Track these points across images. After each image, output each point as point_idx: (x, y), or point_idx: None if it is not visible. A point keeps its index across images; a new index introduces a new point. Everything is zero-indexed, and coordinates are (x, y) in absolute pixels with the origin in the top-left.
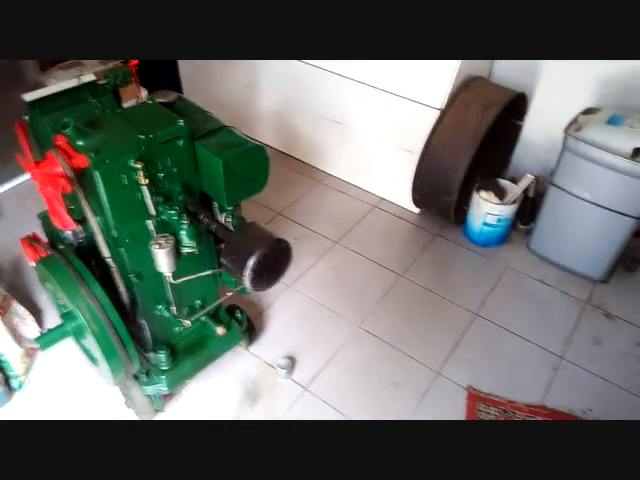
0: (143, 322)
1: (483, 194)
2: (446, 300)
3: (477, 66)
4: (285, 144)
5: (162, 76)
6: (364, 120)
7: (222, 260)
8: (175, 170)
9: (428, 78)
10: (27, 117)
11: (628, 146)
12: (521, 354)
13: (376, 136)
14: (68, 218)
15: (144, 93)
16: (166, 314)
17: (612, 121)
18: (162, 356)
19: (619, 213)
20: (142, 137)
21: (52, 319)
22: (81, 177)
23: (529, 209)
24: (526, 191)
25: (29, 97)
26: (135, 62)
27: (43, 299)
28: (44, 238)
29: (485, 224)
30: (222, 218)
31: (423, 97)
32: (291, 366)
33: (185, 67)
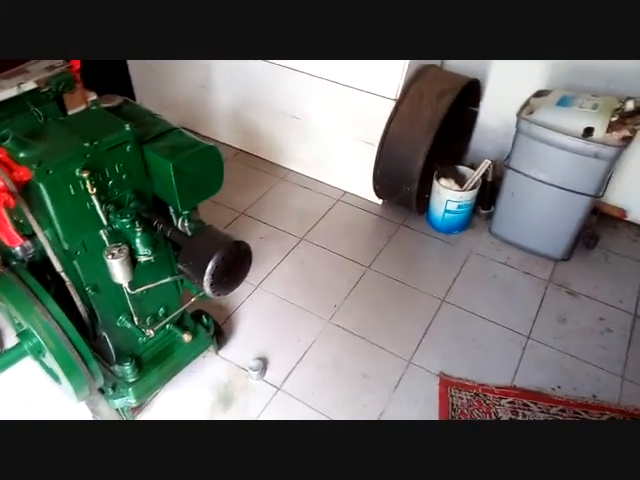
0: (104, 335)
1: (443, 181)
2: (413, 288)
3: None
4: (245, 142)
5: (112, 79)
6: (322, 114)
7: (179, 267)
8: (125, 176)
9: (381, 69)
10: None
11: (579, 126)
12: (489, 337)
13: (335, 129)
14: (14, 234)
15: (93, 97)
16: (128, 325)
17: (562, 102)
18: (127, 368)
19: (575, 192)
20: (87, 145)
21: (13, 337)
22: (25, 190)
23: (488, 193)
24: (485, 176)
25: None
26: (77, 67)
27: (0, 317)
28: None
29: (447, 211)
30: (179, 223)
31: (378, 88)
32: (263, 367)
33: (135, 69)
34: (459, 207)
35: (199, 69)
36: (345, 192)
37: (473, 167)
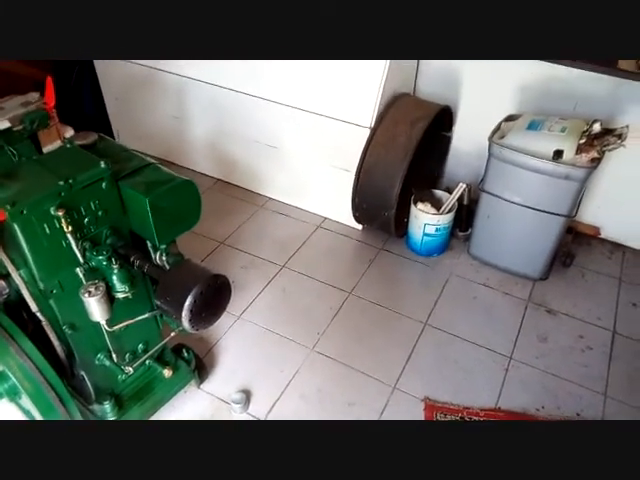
0: (82, 374)
1: (420, 206)
2: (395, 313)
3: (401, 83)
4: (222, 172)
5: (89, 112)
6: (298, 142)
7: (157, 302)
8: (100, 213)
9: (355, 98)
10: None
11: (549, 149)
12: (472, 359)
13: (312, 157)
14: None
15: (69, 133)
16: (107, 363)
17: (532, 126)
18: (107, 407)
19: (549, 213)
20: (61, 183)
21: None
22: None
23: (465, 216)
24: (461, 199)
25: None
26: (52, 104)
27: None
28: None
29: (425, 234)
30: (157, 257)
31: (353, 117)
32: (246, 400)
33: (111, 102)
34: (437, 230)
35: (170, 99)
36: (325, 218)
37: (449, 191)
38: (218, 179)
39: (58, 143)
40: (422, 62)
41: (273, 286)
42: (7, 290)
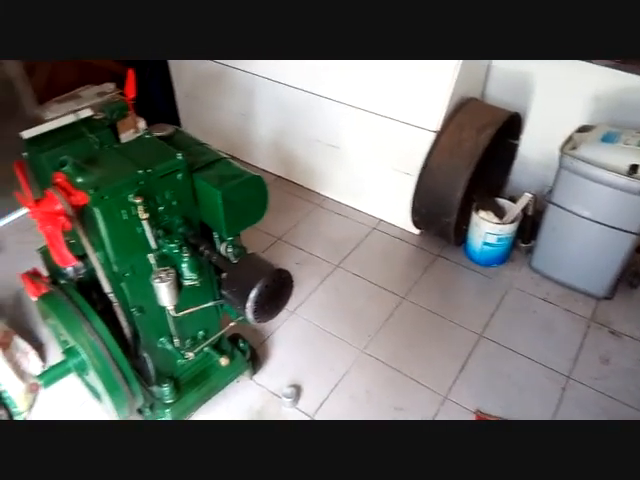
0: (146, 356)
1: (482, 214)
2: (450, 321)
3: (470, 87)
4: (282, 169)
5: (159, 107)
6: (360, 143)
7: (223, 292)
8: (175, 203)
9: (422, 101)
10: (26, 154)
11: (624, 163)
12: (527, 375)
13: (373, 159)
14: (68, 255)
15: (142, 124)
16: (169, 347)
17: (607, 138)
18: (166, 389)
19: (619, 229)
20: (140, 172)
21: (55, 353)
22: (81, 213)
23: (529, 227)
24: (525, 209)
25: (27, 134)
26: (132, 96)
27: (45, 333)
28: (45, 272)
29: (485, 244)
30: (222, 248)
31: (418, 120)
32: (296, 395)
33: (182, 98)
34: (498, 240)
35: (240, 98)
36: (381, 221)
37: (512, 200)
38: (278, 176)
39: (132, 133)
40: (492, 67)
41: (326, 285)
42: (83, 270)
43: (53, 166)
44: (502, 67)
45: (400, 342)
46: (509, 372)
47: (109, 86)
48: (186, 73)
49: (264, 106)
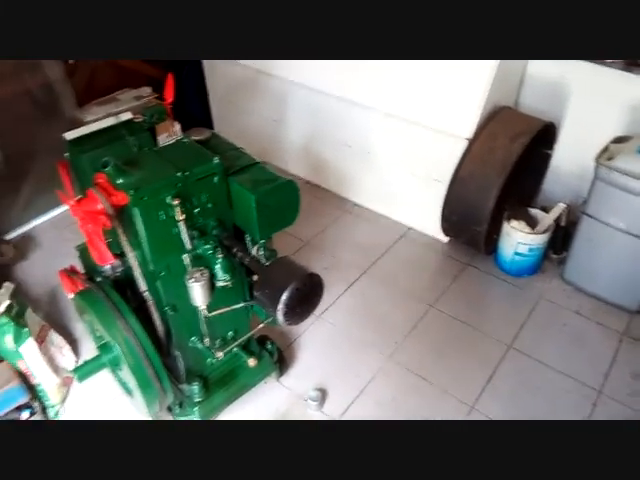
0: (177, 354)
1: (514, 223)
2: (478, 331)
3: (504, 95)
4: (312, 174)
5: (194, 110)
6: (390, 150)
7: (255, 294)
8: (210, 205)
9: (455, 108)
10: (67, 154)
11: None
12: (557, 388)
13: (403, 165)
14: (108, 253)
15: (177, 127)
16: (199, 346)
17: None
18: (195, 387)
19: None
20: (179, 174)
21: (88, 348)
22: (120, 213)
23: (561, 238)
24: (558, 220)
25: (70, 135)
26: (170, 100)
27: (79, 328)
28: (81, 269)
29: (517, 254)
30: (254, 250)
31: (450, 127)
32: (322, 398)
33: (215, 101)
34: (530, 250)
35: (272, 103)
36: (410, 228)
37: (545, 210)
38: (307, 181)
39: (167, 136)
40: (527, 75)
41: (353, 290)
42: (120, 268)
43: (94, 167)
44: (536, 75)
45: (427, 350)
46: (538, 385)
47: (146, 90)
48: (220, 78)
49: (296, 111)
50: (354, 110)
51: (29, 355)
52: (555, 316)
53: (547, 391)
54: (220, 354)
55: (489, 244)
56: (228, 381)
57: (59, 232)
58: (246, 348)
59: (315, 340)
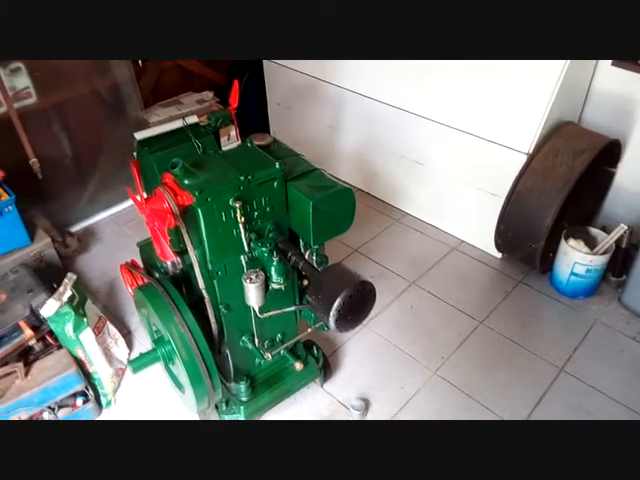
0: (227, 352)
1: (572, 242)
2: (529, 352)
3: (567, 110)
4: (364, 182)
5: (252, 115)
6: (445, 161)
7: (308, 298)
8: (268, 209)
9: (515, 121)
10: (135, 154)
11: None
12: (609, 416)
13: (457, 177)
14: (170, 250)
15: (232, 132)
16: (249, 346)
17: None
18: (242, 387)
19: None
20: (242, 178)
21: (141, 340)
22: (184, 213)
23: (621, 260)
24: (618, 241)
25: (139, 136)
26: (235, 105)
27: (133, 321)
28: (141, 265)
29: (573, 274)
30: (307, 255)
31: (510, 141)
32: (365, 408)
33: (273, 106)
34: (587, 271)
35: (329, 110)
36: (462, 241)
37: (605, 230)
38: (359, 189)
39: (226, 140)
40: (592, 90)
41: (401, 301)
42: (181, 266)
43: (160, 166)
44: (602, 91)
45: (475, 368)
46: (590, 410)
47: (208, 94)
48: (280, 84)
49: (351, 119)
50: (409, 120)
51: (87, 344)
52: (611, 341)
53: (599, 417)
54: (268, 355)
55: (545, 262)
56: (274, 383)
57: (119, 227)
58: (293, 351)
59: (360, 349)
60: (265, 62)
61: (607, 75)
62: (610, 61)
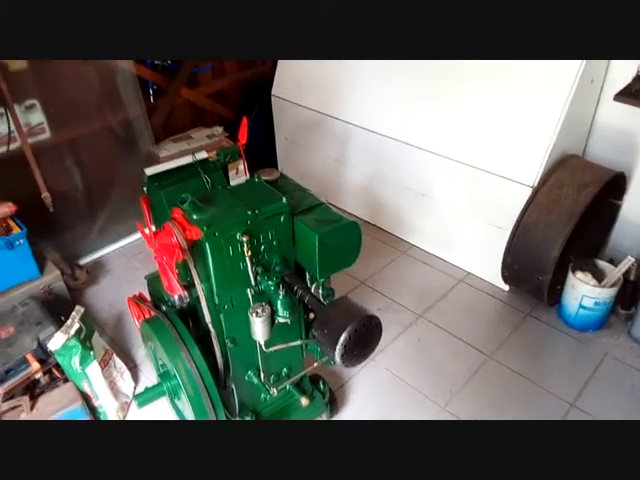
0: (233, 387)
1: (579, 275)
2: (539, 387)
3: (571, 144)
4: (370, 214)
5: (260, 149)
6: (451, 194)
7: (314, 332)
8: (275, 243)
9: (520, 155)
10: (145, 188)
11: None
12: None
13: (463, 210)
14: (177, 284)
15: (241, 167)
16: (255, 380)
17: None
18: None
19: None
20: (249, 212)
21: (147, 374)
22: (192, 247)
23: (630, 293)
24: (627, 273)
25: (150, 171)
26: (243, 141)
27: (140, 354)
28: (148, 298)
29: (582, 307)
30: (313, 288)
31: (514, 174)
32: None
33: (281, 141)
34: (596, 304)
35: (335, 144)
36: (469, 273)
37: (612, 262)
38: (365, 221)
39: (235, 174)
40: (596, 123)
41: (408, 334)
42: (188, 299)
43: (169, 201)
44: (606, 124)
45: (484, 403)
46: None
47: (218, 129)
48: (287, 119)
49: (357, 153)
50: (414, 153)
51: (93, 377)
52: (622, 375)
53: None
54: (274, 390)
55: (552, 295)
56: (279, 418)
57: (127, 260)
58: (299, 386)
59: (367, 383)
60: (273, 98)
61: (609, 109)
62: (612, 95)
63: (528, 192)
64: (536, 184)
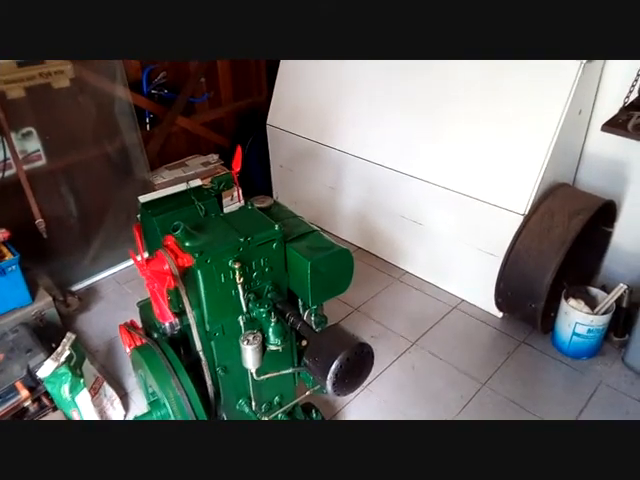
0: (223, 416)
1: (572, 302)
2: (533, 415)
3: (561, 173)
4: (364, 241)
5: (255, 177)
6: (444, 221)
7: (305, 361)
8: (267, 270)
9: (511, 183)
10: (139, 216)
11: None
12: None
13: (456, 237)
14: (169, 312)
15: (235, 193)
16: (246, 409)
17: None
18: None
19: None
20: (241, 239)
21: (137, 403)
22: (183, 274)
23: (623, 320)
24: (619, 301)
25: (143, 199)
26: (237, 169)
27: (131, 382)
28: (140, 325)
29: (575, 334)
30: (305, 315)
31: (506, 202)
32: None
33: (276, 169)
34: (589, 331)
35: (329, 172)
36: (462, 300)
37: (605, 289)
38: (359, 247)
39: (229, 200)
40: (585, 152)
41: (402, 362)
42: (179, 327)
43: (162, 228)
44: (595, 153)
45: None
46: None
47: (213, 157)
48: (282, 147)
49: (351, 181)
50: (409, 182)
51: (82, 405)
52: (616, 403)
53: None
54: (266, 419)
55: (546, 322)
56: None
57: (120, 286)
58: (291, 415)
59: (361, 412)
60: (268, 128)
61: (598, 139)
62: (600, 126)
63: (519, 220)
64: (527, 212)
